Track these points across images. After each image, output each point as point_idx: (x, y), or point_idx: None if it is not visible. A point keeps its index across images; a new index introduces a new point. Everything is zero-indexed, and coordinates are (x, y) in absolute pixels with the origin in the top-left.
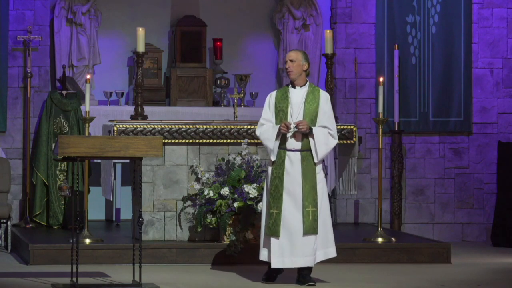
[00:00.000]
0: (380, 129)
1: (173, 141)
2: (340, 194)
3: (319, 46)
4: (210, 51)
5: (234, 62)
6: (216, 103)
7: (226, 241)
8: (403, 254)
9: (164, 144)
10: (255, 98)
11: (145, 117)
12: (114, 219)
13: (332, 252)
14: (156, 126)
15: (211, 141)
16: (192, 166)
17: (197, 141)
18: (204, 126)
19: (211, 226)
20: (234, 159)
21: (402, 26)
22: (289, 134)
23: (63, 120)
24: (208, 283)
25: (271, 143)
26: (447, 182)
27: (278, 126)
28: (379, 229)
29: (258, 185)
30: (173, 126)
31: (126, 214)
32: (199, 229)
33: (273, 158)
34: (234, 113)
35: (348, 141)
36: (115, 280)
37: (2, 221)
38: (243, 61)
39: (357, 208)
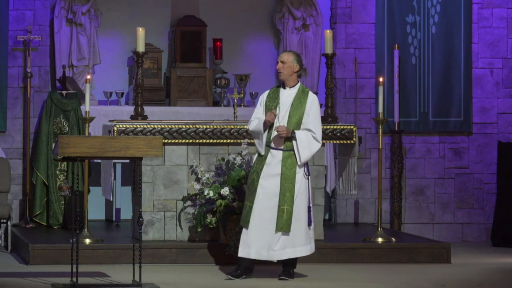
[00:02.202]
0: (380, 129)
1: (173, 141)
2: (340, 194)
3: (319, 46)
4: (210, 51)
5: (234, 62)
6: (216, 103)
7: (226, 241)
8: (403, 254)
9: (164, 144)
10: (255, 98)
11: (145, 117)
12: (114, 219)
13: (303, 251)
14: (156, 126)
15: (211, 141)
16: (192, 166)
17: (197, 141)
18: (204, 126)
19: (211, 226)
20: (234, 159)
21: (402, 26)
22: (275, 133)
23: (63, 120)
24: (208, 283)
25: (260, 135)
26: (447, 182)
27: (264, 119)
28: (379, 229)
29: None
30: (173, 126)
31: (126, 214)
32: (199, 229)
33: (262, 152)
34: (234, 113)
35: (348, 141)
36: (115, 280)
37: (2, 221)
38: (243, 61)
39: (357, 208)
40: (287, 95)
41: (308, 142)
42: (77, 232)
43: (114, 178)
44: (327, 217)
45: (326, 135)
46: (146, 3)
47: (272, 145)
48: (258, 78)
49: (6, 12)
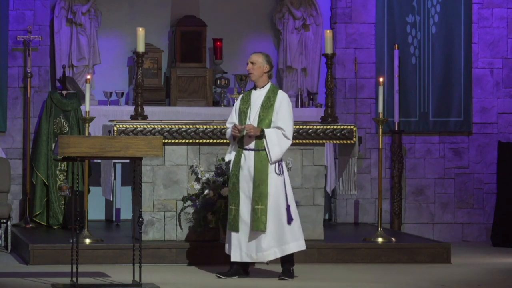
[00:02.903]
0: (380, 129)
1: (173, 141)
2: (340, 194)
3: (319, 46)
4: (210, 51)
5: (234, 62)
6: (216, 103)
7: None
8: (403, 254)
9: (164, 144)
10: None
11: (145, 117)
12: (114, 219)
13: (289, 248)
14: (156, 126)
15: (211, 141)
16: (192, 166)
17: (197, 141)
18: (204, 126)
19: (211, 226)
20: None
21: (402, 26)
22: (246, 135)
23: (63, 120)
24: (208, 283)
25: (230, 145)
26: (447, 182)
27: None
28: (379, 229)
29: None
30: (173, 126)
31: (126, 214)
32: (199, 229)
33: (226, 159)
34: None
35: (348, 141)
36: (115, 280)
37: (2, 221)
38: (243, 61)
39: (357, 208)
40: (257, 96)
41: (278, 140)
42: (77, 232)
43: (114, 178)
44: (327, 217)
45: (326, 135)
46: (146, 3)
47: (245, 146)
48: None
49: (6, 12)
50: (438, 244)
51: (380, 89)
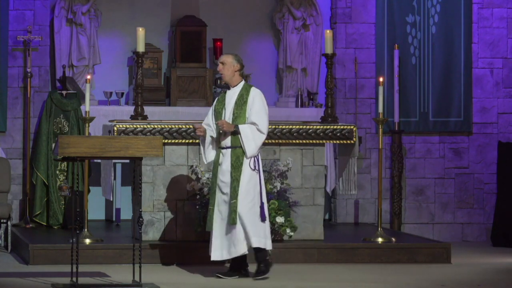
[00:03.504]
0: (380, 129)
1: (173, 141)
2: (340, 194)
3: (319, 46)
4: (210, 51)
5: None
6: None
7: None
8: (403, 254)
9: (164, 144)
10: None
11: (145, 117)
12: (114, 219)
13: (255, 242)
14: (156, 126)
15: None
16: (192, 166)
17: (197, 141)
18: None
19: None
20: None
21: (402, 26)
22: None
23: (63, 120)
24: (208, 283)
25: (201, 146)
26: (447, 182)
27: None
28: (379, 229)
29: None
30: (173, 126)
31: (126, 214)
32: (199, 229)
33: (204, 161)
34: None
35: (348, 141)
36: (115, 280)
37: (2, 221)
38: (243, 61)
39: (357, 208)
40: (231, 95)
41: (252, 135)
42: (77, 232)
43: (114, 178)
44: (327, 217)
45: (326, 135)
46: (146, 3)
47: (222, 145)
48: (258, 78)
49: (6, 12)
50: (438, 244)
51: (380, 89)
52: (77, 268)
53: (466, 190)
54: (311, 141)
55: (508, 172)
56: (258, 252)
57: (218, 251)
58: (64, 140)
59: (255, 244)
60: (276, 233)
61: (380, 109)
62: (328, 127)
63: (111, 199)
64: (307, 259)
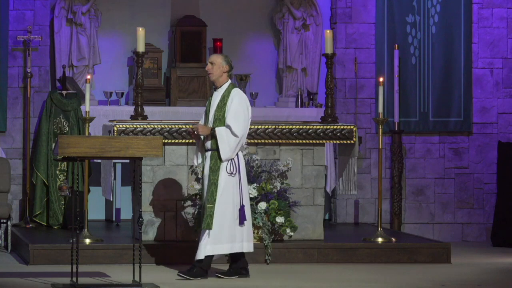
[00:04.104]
0: (380, 129)
1: (173, 141)
2: (340, 194)
3: (319, 46)
4: (210, 51)
5: (234, 62)
6: None
7: None
8: (403, 254)
9: (164, 144)
10: (255, 98)
11: (145, 117)
12: (114, 219)
13: (237, 247)
14: (156, 126)
15: None
16: (192, 166)
17: None
18: None
19: None
20: None
21: (402, 26)
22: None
23: (63, 120)
24: (208, 283)
25: (196, 149)
26: (447, 182)
27: None
28: (379, 229)
29: (258, 185)
30: (173, 126)
31: (126, 214)
32: (199, 229)
33: (195, 162)
34: None
35: (348, 141)
36: (115, 280)
37: (2, 221)
38: (243, 61)
39: (357, 208)
40: (216, 96)
41: (227, 138)
42: (77, 232)
43: (114, 178)
44: (327, 217)
45: (326, 135)
46: (146, 3)
47: (206, 147)
48: (258, 78)
49: (6, 12)
50: (438, 244)
51: (380, 89)
52: (77, 268)
53: (466, 190)
54: (311, 141)
55: (508, 172)
56: (232, 254)
57: (200, 250)
58: (64, 140)
59: (230, 250)
60: (276, 233)
61: (380, 109)
62: (328, 127)
63: (111, 199)
64: (307, 259)
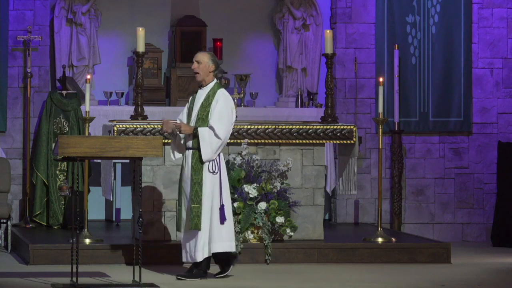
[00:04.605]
0: (380, 129)
1: None
2: (340, 194)
3: (319, 46)
4: (210, 51)
5: (234, 62)
6: None
7: None
8: (403, 254)
9: (164, 144)
10: (255, 98)
11: (145, 117)
12: (114, 219)
13: (218, 247)
14: (156, 126)
15: None
16: None
17: None
18: None
19: None
20: (234, 159)
21: (402, 26)
22: (182, 135)
23: (63, 120)
24: (208, 283)
25: (172, 143)
26: (447, 182)
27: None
28: (379, 229)
29: (258, 185)
30: None
31: (126, 214)
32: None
33: (172, 158)
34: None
35: (348, 141)
36: (115, 280)
37: (2, 221)
38: (243, 61)
39: (357, 208)
40: (200, 95)
41: (209, 139)
42: (77, 232)
43: (114, 178)
44: (327, 217)
45: (326, 135)
46: (146, 3)
47: (187, 145)
48: (258, 78)
49: (6, 12)
50: (438, 244)
51: (380, 89)
52: (77, 268)
53: (466, 190)
54: (311, 141)
55: (508, 172)
56: (218, 255)
57: (184, 254)
58: (64, 140)
59: (218, 249)
60: (276, 233)
61: (380, 109)
62: (328, 127)
63: (111, 199)
64: (307, 259)
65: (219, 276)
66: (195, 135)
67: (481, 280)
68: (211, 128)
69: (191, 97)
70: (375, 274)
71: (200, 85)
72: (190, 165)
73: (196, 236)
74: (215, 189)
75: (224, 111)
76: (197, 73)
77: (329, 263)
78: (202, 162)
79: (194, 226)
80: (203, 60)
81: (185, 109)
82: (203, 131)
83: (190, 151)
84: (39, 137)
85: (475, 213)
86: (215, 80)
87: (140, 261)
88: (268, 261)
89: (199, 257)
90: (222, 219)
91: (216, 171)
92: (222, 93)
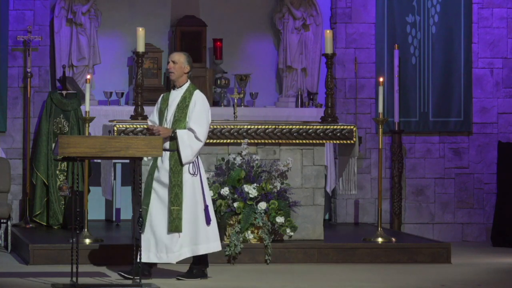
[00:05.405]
0: (380, 129)
1: None
2: (340, 194)
3: (319, 46)
4: (210, 51)
5: (234, 62)
6: (216, 103)
7: (226, 241)
8: (403, 254)
9: None
10: (255, 98)
11: (145, 117)
12: (114, 219)
13: (202, 249)
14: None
15: (211, 141)
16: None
17: None
18: None
19: None
20: (234, 159)
21: (402, 26)
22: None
23: (63, 120)
24: (208, 283)
25: None
26: (447, 182)
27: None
28: (379, 229)
29: (258, 185)
30: None
31: (126, 214)
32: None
33: (145, 159)
34: (234, 113)
35: (348, 141)
36: (115, 280)
37: (2, 221)
38: (243, 61)
39: (357, 208)
40: (175, 96)
41: (189, 141)
42: (77, 232)
43: (114, 178)
44: (327, 217)
45: (326, 135)
46: (146, 3)
47: (163, 147)
48: (258, 78)
49: (6, 12)
50: (438, 244)
51: (380, 89)
52: (77, 268)
53: (466, 190)
54: (311, 141)
55: (508, 172)
56: (196, 259)
57: (146, 253)
58: (64, 140)
59: (205, 250)
60: (276, 233)
61: (380, 109)
62: (328, 127)
63: (111, 199)
64: (307, 259)
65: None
66: (172, 138)
67: (481, 280)
68: (191, 130)
69: (160, 98)
70: (375, 274)
71: (174, 86)
72: (167, 167)
73: (172, 238)
74: (196, 190)
75: (203, 113)
76: (172, 72)
77: (329, 263)
78: (181, 164)
79: (174, 228)
80: (179, 61)
81: (155, 111)
82: (182, 134)
83: (168, 153)
84: (39, 137)
85: (475, 213)
86: (189, 81)
87: (140, 261)
88: (268, 261)
89: (174, 259)
90: (208, 220)
91: (196, 172)
92: (199, 94)
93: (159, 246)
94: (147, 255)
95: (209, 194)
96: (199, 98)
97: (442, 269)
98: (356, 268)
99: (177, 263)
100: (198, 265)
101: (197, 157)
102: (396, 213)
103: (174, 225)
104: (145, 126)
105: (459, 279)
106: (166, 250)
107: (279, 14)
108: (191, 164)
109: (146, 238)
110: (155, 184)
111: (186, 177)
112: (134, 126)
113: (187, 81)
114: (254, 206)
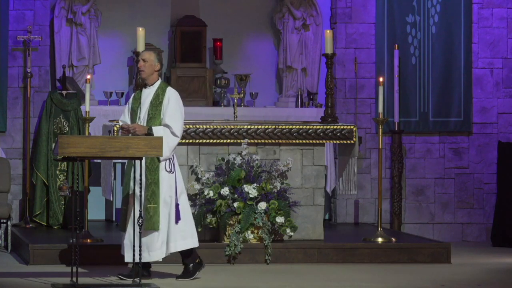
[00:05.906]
0: (380, 129)
1: None
2: (340, 194)
3: (319, 46)
4: (210, 51)
5: (234, 62)
6: (216, 103)
7: (226, 241)
8: (403, 254)
9: None
10: (255, 98)
11: None
12: (114, 219)
13: (181, 245)
14: None
15: (211, 141)
16: (192, 166)
17: (197, 141)
18: (204, 126)
19: (211, 226)
20: (234, 159)
21: (402, 26)
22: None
23: (63, 120)
24: (208, 283)
25: None
26: (447, 182)
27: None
28: (379, 229)
29: (258, 185)
30: None
31: None
32: (199, 229)
33: None
34: (234, 113)
35: (348, 141)
36: (115, 280)
37: (2, 221)
38: (243, 61)
39: (357, 208)
40: (147, 94)
41: (166, 138)
42: (77, 232)
43: (114, 178)
44: (327, 217)
45: (326, 135)
46: (146, 3)
47: None
48: (258, 78)
49: (6, 12)
50: (438, 244)
51: (380, 89)
52: (77, 268)
53: (466, 190)
54: (311, 141)
55: (508, 172)
56: (184, 255)
57: (129, 253)
58: (64, 140)
59: (181, 247)
60: (276, 233)
61: (380, 109)
62: (328, 127)
63: (111, 199)
64: (307, 259)
65: (181, 278)
66: (148, 135)
67: (481, 280)
68: (167, 126)
69: (132, 97)
70: (375, 274)
71: (145, 84)
72: (143, 165)
73: (152, 236)
74: (172, 188)
75: (177, 109)
76: (142, 71)
77: (329, 263)
78: (159, 161)
79: (152, 226)
80: (149, 59)
81: (126, 110)
82: (158, 130)
83: None
84: (39, 137)
85: (475, 213)
86: (160, 79)
87: (140, 261)
88: (268, 261)
89: (156, 257)
90: (177, 219)
91: (172, 170)
92: (172, 91)
93: (142, 245)
94: (130, 255)
95: (184, 191)
96: (172, 95)
97: (442, 269)
98: (356, 268)
99: (164, 260)
100: (189, 257)
101: (173, 155)
102: (396, 213)
103: (152, 223)
104: (117, 127)
105: (459, 279)
106: (148, 249)
107: (279, 14)
108: (167, 162)
109: (128, 238)
110: (130, 183)
111: (163, 174)
112: None
113: (158, 79)
114: (254, 206)
